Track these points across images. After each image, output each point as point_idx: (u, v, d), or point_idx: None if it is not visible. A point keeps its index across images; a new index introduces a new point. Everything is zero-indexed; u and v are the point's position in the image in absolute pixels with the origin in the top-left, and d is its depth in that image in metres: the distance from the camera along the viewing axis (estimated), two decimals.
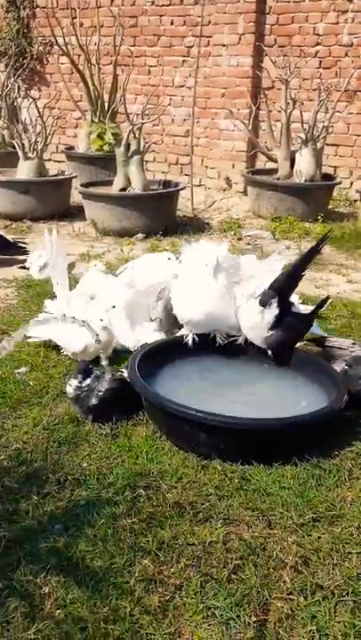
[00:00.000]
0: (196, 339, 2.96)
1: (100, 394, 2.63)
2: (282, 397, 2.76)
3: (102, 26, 7.85)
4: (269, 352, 2.78)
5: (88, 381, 2.66)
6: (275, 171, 6.75)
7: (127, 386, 2.66)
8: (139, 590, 1.79)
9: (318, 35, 7.21)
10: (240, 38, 7.48)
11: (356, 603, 1.73)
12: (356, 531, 2.02)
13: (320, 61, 7.27)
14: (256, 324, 2.75)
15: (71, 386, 2.67)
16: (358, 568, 1.85)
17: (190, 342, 2.95)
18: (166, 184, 6.40)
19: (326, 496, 2.19)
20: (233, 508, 2.14)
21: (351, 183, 7.26)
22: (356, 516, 2.09)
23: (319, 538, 2.00)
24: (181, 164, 8.25)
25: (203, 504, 2.15)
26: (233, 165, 7.80)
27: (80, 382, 2.66)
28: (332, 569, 1.85)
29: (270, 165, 6.97)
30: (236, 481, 2.27)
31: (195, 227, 6.12)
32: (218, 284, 2.91)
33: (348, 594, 1.76)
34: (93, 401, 2.62)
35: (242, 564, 1.89)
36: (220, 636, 1.66)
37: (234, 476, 2.30)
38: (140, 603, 1.75)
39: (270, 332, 2.72)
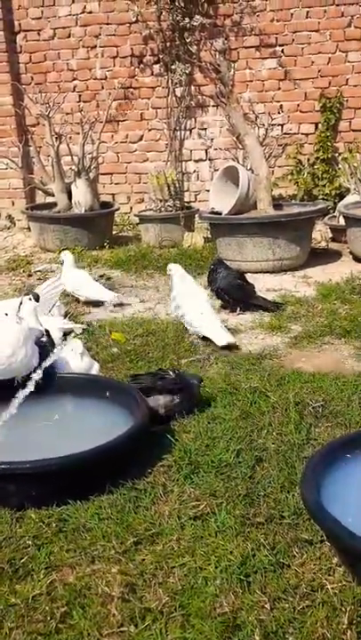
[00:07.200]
0: None
1: None
2: (87, 427, 2.75)
3: None
4: None
5: None
6: (55, 204, 6.75)
7: None
8: None
9: (73, 70, 7.39)
10: None
11: (184, 616, 1.75)
12: (176, 543, 2.04)
13: (79, 95, 7.44)
14: None
15: None
16: (182, 581, 1.87)
17: None
18: None
19: (145, 516, 2.20)
20: (54, 554, 2.05)
21: (131, 207, 7.51)
22: (174, 528, 2.12)
23: (143, 560, 1.99)
24: None
25: (22, 558, 2.04)
26: (13, 203, 7.68)
27: None
28: (158, 588, 1.85)
29: (51, 199, 6.96)
30: (55, 525, 2.19)
31: None
32: None
33: (175, 609, 1.77)
34: None
35: (69, 609, 1.82)
36: None
37: (51, 520, 2.21)
38: None
39: None
